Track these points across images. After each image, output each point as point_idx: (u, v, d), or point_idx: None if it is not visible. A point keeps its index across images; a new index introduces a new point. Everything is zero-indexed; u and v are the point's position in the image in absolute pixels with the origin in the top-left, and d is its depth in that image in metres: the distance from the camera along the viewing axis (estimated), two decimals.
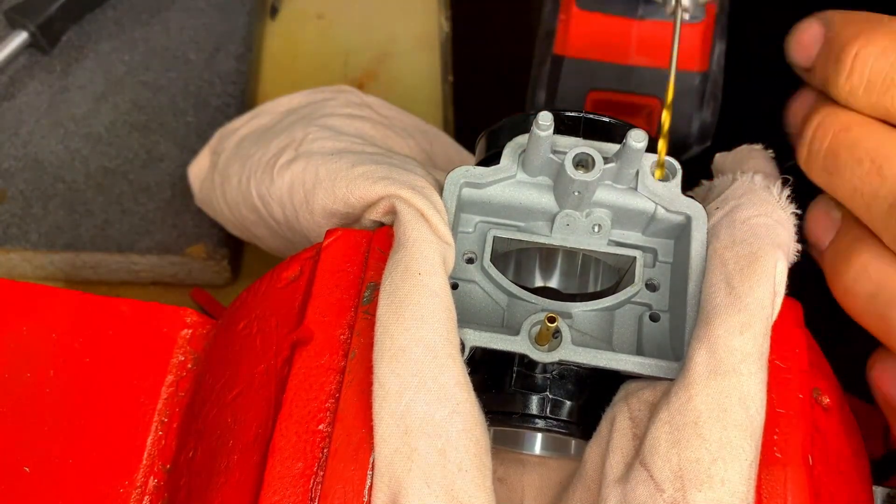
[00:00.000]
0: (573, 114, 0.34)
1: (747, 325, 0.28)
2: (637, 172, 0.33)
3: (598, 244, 0.34)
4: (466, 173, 0.33)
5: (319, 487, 0.28)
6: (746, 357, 0.28)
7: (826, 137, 0.30)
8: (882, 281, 0.28)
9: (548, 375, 0.32)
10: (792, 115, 0.32)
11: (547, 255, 0.37)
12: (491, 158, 0.34)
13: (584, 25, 0.29)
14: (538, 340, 0.30)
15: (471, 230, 0.35)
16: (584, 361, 0.30)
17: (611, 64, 0.33)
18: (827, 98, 0.31)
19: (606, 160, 0.32)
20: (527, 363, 0.32)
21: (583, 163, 0.31)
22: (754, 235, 0.30)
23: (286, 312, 0.33)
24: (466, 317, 0.33)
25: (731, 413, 0.27)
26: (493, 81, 0.56)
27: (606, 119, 0.34)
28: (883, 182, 0.28)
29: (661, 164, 0.30)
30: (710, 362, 0.28)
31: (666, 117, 0.29)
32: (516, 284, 0.33)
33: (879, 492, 0.34)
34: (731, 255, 0.30)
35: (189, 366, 0.37)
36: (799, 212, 0.32)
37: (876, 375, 0.31)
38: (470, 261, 0.34)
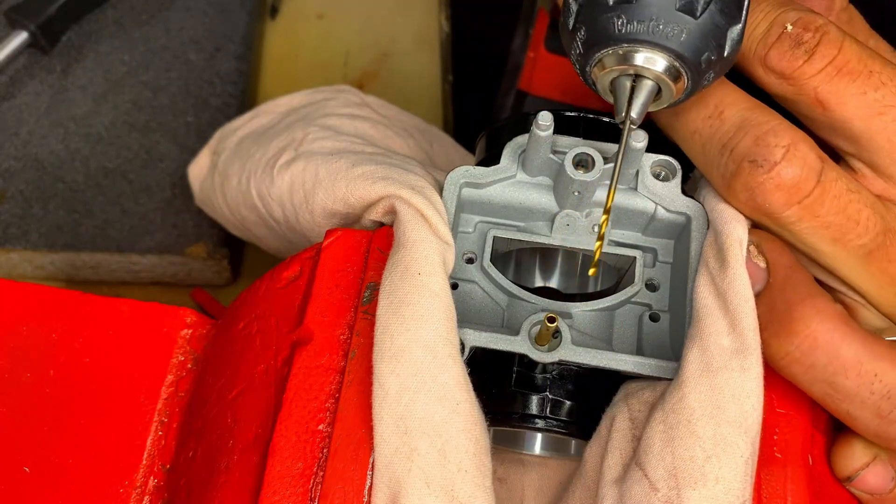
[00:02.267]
0: (573, 114, 0.34)
1: (735, 322, 0.28)
2: (637, 172, 0.33)
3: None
4: (466, 173, 0.33)
5: (319, 487, 0.28)
6: (737, 353, 0.28)
7: None
8: (833, 352, 0.27)
9: (548, 375, 0.32)
10: None
11: (547, 255, 0.37)
12: (491, 158, 0.34)
13: (550, 67, 0.31)
14: (538, 340, 0.30)
15: (471, 230, 0.35)
16: (584, 361, 0.30)
17: (570, 106, 0.34)
18: None
19: (606, 160, 0.32)
20: (527, 363, 0.32)
21: (583, 163, 0.31)
22: (721, 224, 0.30)
23: (286, 312, 0.33)
24: (466, 317, 0.33)
25: (725, 410, 0.27)
26: (493, 81, 0.57)
27: (606, 119, 0.34)
28: (721, 125, 0.30)
29: (595, 265, 0.31)
30: (701, 360, 0.28)
31: (604, 221, 0.30)
32: (516, 284, 0.33)
33: None
34: (712, 251, 0.30)
35: (189, 366, 0.37)
36: None
37: (859, 481, 0.30)
38: (470, 261, 0.34)
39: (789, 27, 0.29)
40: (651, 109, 0.29)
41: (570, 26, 0.29)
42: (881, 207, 0.29)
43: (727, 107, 0.30)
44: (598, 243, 0.30)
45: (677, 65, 0.28)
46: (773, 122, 0.29)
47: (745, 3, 0.28)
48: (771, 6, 0.30)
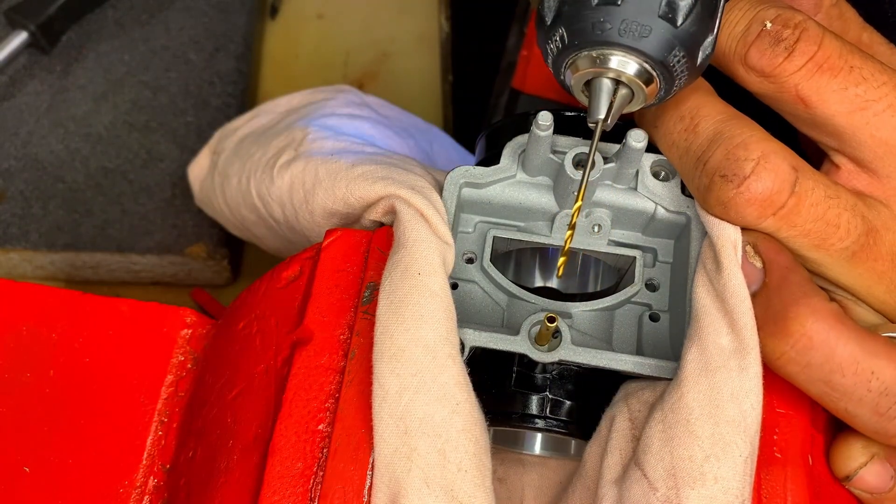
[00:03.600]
0: (573, 114, 0.34)
1: (734, 322, 0.28)
2: (637, 172, 0.33)
3: (598, 244, 0.34)
4: (466, 173, 0.33)
5: (319, 487, 0.28)
6: (736, 353, 0.28)
7: None
8: (829, 351, 0.27)
9: (547, 375, 0.32)
10: None
11: (546, 255, 0.37)
12: (491, 158, 0.34)
13: (543, 66, 0.30)
14: (538, 340, 0.30)
15: (471, 230, 0.35)
16: (584, 361, 0.30)
17: (567, 106, 0.34)
18: None
19: (606, 160, 0.32)
20: (526, 363, 0.32)
21: (583, 163, 0.31)
22: (712, 226, 0.30)
23: (286, 312, 0.33)
24: (466, 317, 0.33)
25: (723, 409, 0.27)
26: (493, 81, 0.57)
27: None
28: (696, 138, 0.30)
29: (565, 253, 0.31)
30: (700, 360, 0.28)
31: (575, 210, 0.31)
32: (516, 284, 0.33)
33: None
34: (709, 253, 0.30)
35: (189, 366, 0.37)
36: None
37: (857, 480, 0.30)
38: (470, 261, 0.34)
39: (768, 25, 0.29)
40: (624, 112, 0.29)
41: (548, 25, 0.28)
42: (862, 208, 0.29)
43: (702, 119, 0.30)
44: (568, 232, 0.31)
45: (650, 70, 0.27)
46: (745, 135, 0.29)
47: (719, 12, 0.28)
48: (749, 4, 0.30)
